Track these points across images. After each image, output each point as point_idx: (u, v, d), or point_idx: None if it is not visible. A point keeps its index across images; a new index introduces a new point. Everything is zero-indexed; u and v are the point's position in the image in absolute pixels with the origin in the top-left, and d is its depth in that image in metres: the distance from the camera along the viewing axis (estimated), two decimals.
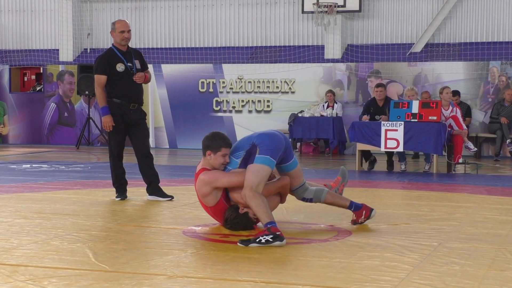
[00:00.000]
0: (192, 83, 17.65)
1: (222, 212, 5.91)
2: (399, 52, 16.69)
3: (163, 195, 7.88)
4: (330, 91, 16.24)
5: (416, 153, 14.75)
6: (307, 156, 15.75)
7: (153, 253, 5.07)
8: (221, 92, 17.49)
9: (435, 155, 11.75)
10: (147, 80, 8.07)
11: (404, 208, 7.63)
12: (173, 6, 18.47)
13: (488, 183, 10.14)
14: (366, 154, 12.39)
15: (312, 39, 17.47)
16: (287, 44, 17.64)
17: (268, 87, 17.12)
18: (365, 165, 12.39)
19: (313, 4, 16.41)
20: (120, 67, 7.87)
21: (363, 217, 6.20)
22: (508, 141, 15.11)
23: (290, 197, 6.37)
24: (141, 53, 8.30)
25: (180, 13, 18.43)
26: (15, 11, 19.58)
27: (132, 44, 8.35)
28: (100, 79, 7.85)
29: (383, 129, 11.68)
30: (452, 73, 15.97)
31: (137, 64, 8.03)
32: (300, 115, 16.08)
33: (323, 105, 16.17)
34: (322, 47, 17.19)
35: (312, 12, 16.60)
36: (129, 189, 8.06)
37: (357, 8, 16.51)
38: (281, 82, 17.05)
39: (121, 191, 7.97)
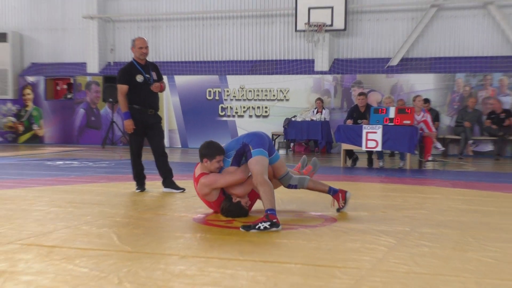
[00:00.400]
0: (200, 91, 17.67)
1: (218, 203, 6.02)
2: (378, 65, 16.71)
3: (176, 187, 7.91)
4: (319, 98, 16.26)
5: (392, 152, 14.80)
6: (300, 154, 15.76)
7: (167, 237, 5.11)
8: (226, 100, 17.50)
9: (408, 154, 11.78)
10: (162, 89, 8.09)
11: (382, 199, 7.66)
12: (184, 25, 18.48)
13: (453, 177, 10.16)
14: (349, 153, 12.42)
15: (304, 54, 17.48)
16: (282, 58, 17.65)
17: (266, 95, 17.14)
18: (349, 162, 12.42)
19: (305, 24, 16.43)
20: (139, 78, 7.90)
21: (341, 199, 6.26)
22: (470, 142, 15.15)
23: (284, 190, 6.42)
24: (157, 66, 8.33)
25: (190, 31, 18.44)
26: (49, 30, 19.58)
27: (149, 58, 8.37)
28: (122, 88, 7.88)
29: (364, 131, 11.71)
30: (423, 84, 16.00)
31: (154, 75, 8.05)
32: (293, 119, 16.11)
33: (313, 111, 16.19)
34: (312, 61, 17.21)
35: (304, 31, 16.61)
36: (147, 183, 8.08)
37: (343, 27, 16.52)
38: (277, 91, 17.07)
39: (141, 184, 8.00)
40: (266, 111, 17.14)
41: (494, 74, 15.64)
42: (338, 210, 6.27)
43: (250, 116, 17.28)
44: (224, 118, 17.48)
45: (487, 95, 15.58)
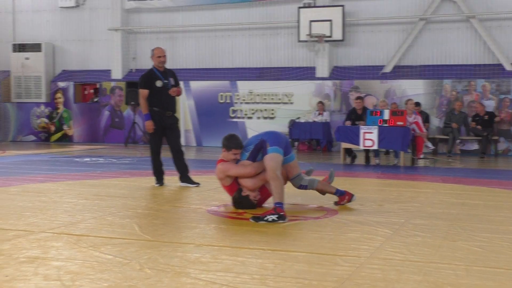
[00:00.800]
0: (213, 96, 17.63)
1: (234, 190, 5.97)
2: (373, 72, 16.63)
3: (192, 182, 7.89)
4: (320, 102, 16.20)
5: (387, 150, 14.70)
6: (303, 152, 15.72)
7: (184, 227, 5.08)
8: (236, 103, 17.46)
9: (402, 152, 11.72)
10: (179, 93, 8.07)
11: (378, 193, 7.62)
12: (199, 36, 18.45)
13: (443, 173, 10.10)
14: (348, 151, 12.36)
15: (306, 62, 17.42)
16: (286, 66, 17.60)
17: (272, 99, 17.09)
18: (348, 160, 12.36)
19: (307, 35, 16.37)
20: (158, 83, 7.88)
21: (345, 200, 6.21)
22: (458, 141, 15.07)
23: (289, 184, 6.37)
24: (175, 72, 8.31)
25: (203, 41, 18.41)
26: (78, 41, 19.59)
27: (167, 65, 8.33)
28: (143, 93, 7.87)
29: (361, 131, 11.66)
30: (414, 89, 15.92)
31: (172, 81, 8.04)
32: (297, 120, 16.06)
33: (315, 113, 16.14)
34: (314, 68, 17.15)
35: (306, 41, 16.55)
36: (165, 178, 8.07)
37: (341, 38, 16.45)
38: (282, 95, 17.01)
39: (160, 179, 7.98)
40: (272, 113, 17.09)
41: (478, 80, 15.55)
42: (337, 204, 6.21)
43: (258, 117, 17.24)
44: (235, 120, 17.44)
45: (472, 99, 15.49)
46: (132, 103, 17.26)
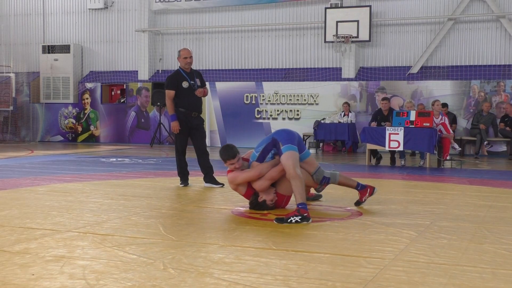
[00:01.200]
0: (239, 96, 17.66)
1: (249, 196, 5.98)
2: (400, 72, 16.51)
3: (216, 182, 7.91)
4: (346, 103, 16.13)
5: (413, 152, 14.58)
6: (328, 153, 15.67)
7: (208, 227, 5.09)
8: (261, 104, 17.46)
9: (428, 153, 11.60)
10: (205, 94, 8.09)
11: (403, 195, 7.55)
12: (225, 37, 18.50)
13: (470, 175, 9.98)
14: (374, 152, 12.28)
15: (332, 62, 17.35)
16: (312, 67, 17.55)
17: (297, 99, 17.05)
18: (373, 161, 12.28)
19: (333, 35, 16.31)
20: (185, 84, 7.91)
21: (367, 194, 6.12)
22: (485, 142, 14.88)
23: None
24: (201, 73, 8.33)
25: (230, 42, 18.46)
26: (105, 42, 19.79)
27: (194, 66, 8.36)
28: (169, 93, 7.91)
29: (387, 133, 11.57)
30: (441, 89, 15.77)
31: (198, 82, 8.06)
32: (322, 121, 16.00)
33: (341, 114, 16.07)
34: (340, 69, 17.07)
35: (332, 42, 16.49)
36: (190, 178, 8.10)
37: (368, 39, 16.36)
38: (308, 96, 16.97)
39: (184, 180, 8.01)
40: (298, 114, 17.05)
41: (507, 81, 15.34)
42: (357, 203, 6.14)
43: (283, 118, 17.22)
44: (260, 120, 17.44)
45: (501, 100, 15.29)
46: (158, 103, 17.37)
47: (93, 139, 19.40)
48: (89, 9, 19.73)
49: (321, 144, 16.31)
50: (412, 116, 11.55)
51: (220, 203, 6.44)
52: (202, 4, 18.39)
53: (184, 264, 3.76)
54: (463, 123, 15.55)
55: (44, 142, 19.57)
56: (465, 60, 16.12)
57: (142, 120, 18.82)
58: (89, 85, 19.46)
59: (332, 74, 17.02)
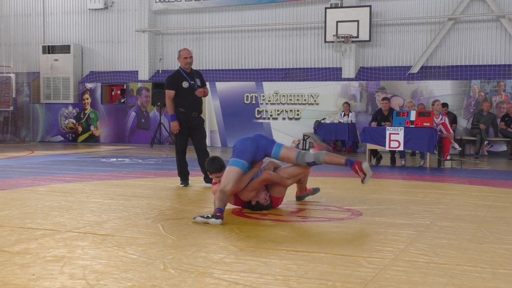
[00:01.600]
0: (239, 96, 17.67)
1: (241, 204, 6.00)
2: (400, 72, 16.51)
3: None
4: (346, 103, 16.13)
5: (413, 152, 14.58)
6: None
7: (208, 227, 5.09)
8: (261, 104, 17.47)
9: (428, 153, 11.60)
10: (205, 94, 8.09)
11: (404, 194, 7.55)
12: (225, 37, 18.50)
13: (470, 175, 9.98)
14: (374, 152, 12.28)
15: (332, 62, 17.36)
16: (312, 67, 17.56)
17: (298, 99, 17.06)
18: (373, 161, 12.28)
19: (333, 35, 16.32)
20: (185, 84, 7.92)
21: (359, 171, 5.84)
22: (485, 142, 14.88)
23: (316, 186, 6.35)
24: (201, 73, 8.34)
25: (230, 42, 18.46)
26: (105, 42, 19.80)
27: (194, 66, 8.37)
28: (169, 93, 7.91)
29: (387, 132, 11.57)
30: (442, 89, 15.77)
31: (198, 82, 8.06)
32: (322, 121, 16.00)
33: (341, 114, 16.07)
34: (340, 68, 17.08)
35: (332, 42, 16.50)
36: (190, 178, 8.10)
37: (368, 39, 16.36)
38: (308, 96, 16.97)
39: (184, 180, 8.01)
40: (298, 114, 17.06)
41: (507, 81, 15.34)
42: (363, 181, 5.91)
43: (284, 118, 17.22)
44: (260, 120, 17.45)
45: (501, 99, 15.29)
46: (158, 104, 17.37)
47: (93, 139, 19.40)
48: (89, 9, 19.74)
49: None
50: (412, 116, 11.55)
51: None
52: (202, 4, 18.40)
53: (184, 264, 3.76)
54: (463, 123, 15.55)
55: (44, 142, 19.58)
56: (465, 60, 16.13)
57: (142, 120, 18.83)
58: (89, 85, 19.47)
59: (332, 74, 17.02)
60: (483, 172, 10.63)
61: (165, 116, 17.82)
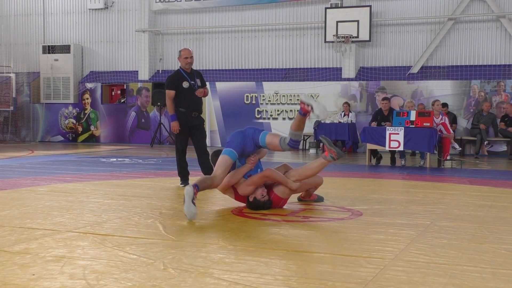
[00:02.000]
0: (239, 96, 17.67)
1: (241, 199, 6.07)
2: (400, 72, 16.51)
3: None
4: (346, 103, 16.13)
5: (413, 152, 14.58)
6: None
7: (208, 227, 5.09)
8: (261, 104, 17.47)
9: (428, 153, 11.61)
10: (205, 94, 8.09)
11: (404, 195, 7.55)
12: (225, 37, 18.51)
13: (470, 175, 9.98)
14: (374, 152, 12.28)
15: (332, 62, 17.36)
16: (312, 67, 17.56)
17: (298, 99, 17.06)
18: (373, 161, 12.28)
19: (333, 35, 16.32)
20: (185, 84, 7.91)
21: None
22: (485, 142, 14.88)
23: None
24: (201, 73, 8.33)
25: (230, 42, 18.47)
26: (105, 42, 19.81)
27: (194, 66, 8.36)
28: (170, 93, 7.91)
29: (387, 132, 11.57)
30: (442, 89, 15.77)
31: (198, 82, 8.06)
32: (322, 121, 16.00)
33: (341, 114, 16.07)
34: (340, 68, 17.08)
35: (332, 42, 16.50)
36: (190, 178, 8.09)
37: (368, 39, 16.36)
38: (308, 96, 16.96)
39: (185, 180, 8.01)
40: None
41: (507, 81, 15.34)
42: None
43: (284, 118, 17.23)
44: (260, 120, 17.45)
45: (501, 99, 15.29)
46: (158, 104, 17.38)
47: (93, 139, 19.40)
48: (89, 9, 19.74)
49: (321, 144, 16.29)
50: (412, 116, 11.55)
51: (220, 203, 6.44)
52: (202, 4, 18.40)
53: (184, 264, 3.76)
54: (463, 123, 15.56)
55: (45, 142, 19.58)
56: (465, 60, 16.13)
57: (142, 120, 18.83)
58: (89, 85, 19.47)
59: (332, 74, 17.02)
60: (483, 172, 10.63)
61: (165, 116, 17.83)
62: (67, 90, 19.61)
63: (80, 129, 19.57)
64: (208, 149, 8.17)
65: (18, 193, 7.01)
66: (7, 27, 20.56)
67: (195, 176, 8.29)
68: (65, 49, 19.55)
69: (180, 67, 8.05)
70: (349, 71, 16.77)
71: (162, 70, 19.00)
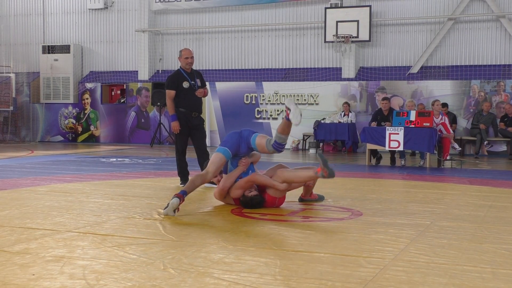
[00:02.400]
0: (239, 96, 17.67)
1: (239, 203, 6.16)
2: (400, 72, 16.51)
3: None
4: (346, 103, 16.13)
5: (413, 152, 14.58)
6: (328, 153, 15.66)
7: (208, 227, 5.09)
8: (261, 104, 17.47)
9: (428, 153, 11.60)
10: (205, 94, 8.09)
11: (404, 195, 7.55)
12: (225, 37, 18.50)
13: (470, 175, 9.97)
14: (374, 152, 12.28)
15: (332, 62, 17.36)
16: (312, 67, 17.56)
17: (297, 99, 17.06)
18: (373, 161, 12.28)
19: (333, 35, 16.32)
20: (185, 84, 7.92)
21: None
22: (485, 142, 14.88)
23: (315, 188, 6.34)
24: (201, 73, 8.34)
25: (230, 42, 18.47)
26: (105, 42, 19.81)
27: (194, 66, 8.36)
28: (170, 93, 7.91)
29: (387, 132, 11.57)
30: (441, 89, 15.77)
31: (198, 82, 8.07)
32: (322, 121, 16.00)
33: (341, 114, 16.07)
34: (340, 68, 17.08)
35: (332, 42, 16.50)
36: (190, 178, 8.07)
37: (368, 39, 16.36)
38: (308, 96, 16.98)
39: (184, 180, 8.00)
40: None
41: (507, 81, 15.34)
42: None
43: (283, 118, 17.19)
44: (260, 120, 17.45)
45: (501, 99, 15.29)
46: (158, 103, 17.38)
47: (93, 139, 19.40)
48: (89, 9, 19.74)
49: (321, 144, 16.31)
50: (412, 116, 11.55)
51: (219, 203, 6.43)
52: (202, 4, 18.40)
53: (184, 264, 3.76)
54: (463, 123, 15.56)
55: (44, 142, 19.58)
56: (465, 60, 16.13)
57: (142, 120, 18.83)
58: (89, 85, 19.47)
59: (332, 74, 17.02)
60: (483, 172, 10.63)
61: (165, 116, 17.83)
62: (67, 90, 19.61)
63: (80, 129, 19.57)
64: (208, 149, 8.18)
65: (18, 193, 7.01)
66: (7, 27, 20.56)
67: None
68: (65, 49, 19.55)
69: (180, 67, 8.05)
70: (349, 71, 16.78)
71: (162, 70, 19.00)
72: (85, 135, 19.53)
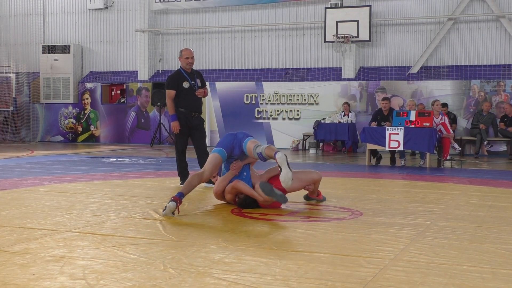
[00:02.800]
0: (239, 96, 17.67)
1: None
2: (400, 72, 16.51)
3: None
4: (346, 103, 16.13)
5: (413, 152, 14.58)
6: (328, 153, 15.66)
7: (208, 227, 5.08)
8: (261, 104, 17.47)
9: (428, 153, 11.60)
10: (205, 94, 8.09)
11: (404, 195, 7.54)
12: (225, 37, 18.50)
13: (470, 175, 9.97)
14: (374, 152, 12.28)
15: (332, 62, 17.36)
16: (312, 67, 17.56)
17: (297, 99, 17.06)
18: (373, 161, 12.28)
19: (333, 35, 16.32)
20: (185, 84, 7.92)
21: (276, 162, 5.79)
22: (485, 142, 14.88)
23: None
24: (201, 73, 8.34)
25: (230, 42, 18.46)
26: (106, 42, 19.81)
27: (194, 66, 8.36)
28: (170, 93, 7.91)
29: (387, 132, 11.57)
30: (441, 89, 15.77)
31: (198, 82, 8.07)
32: (322, 121, 16.00)
33: (341, 114, 16.07)
34: (340, 68, 17.08)
35: (332, 42, 16.50)
36: (187, 179, 8.07)
37: (368, 39, 16.36)
38: (308, 96, 16.97)
39: (184, 180, 7.96)
40: (298, 114, 17.06)
41: (507, 81, 15.34)
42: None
43: (283, 118, 17.22)
44: (260, 120, 17.44)
45: (501, 99, 15.29)
46: (158, 103, 17.38)
47: (93, 139, 19.40)
48: (89, 9, 19.74)
49: (321, 144, 16.31)
50: (412, 116, 11.55)
51: (219, 203, 6.43)
52: (202, 4, 18.40)
53: (184, 264, 3.75)
54: (463, 123, 15.56)
55: (44, 142, 19.57)
56: (465, 60, 16.13)
57: (142, 120, 18.83)
58: (89, 85, 19.47)
59: (332, 74, 17.02)
60: (483, 172, 10.63)
61: (165, 116, 17.83)
62: (67, 90, 19.60)
63: (80, 129, 19.57)
64: (208, 149, 8.17)
65: (18, 193, 7.01)
66: (7, 27, 20.56)
67: None
68: (65, 49, 19.55)
69: (180, 67, 8.04)
70: (349, 71, 16.78)
71: (162, 70, 18.99)
72: (85, 135, 19.53)
